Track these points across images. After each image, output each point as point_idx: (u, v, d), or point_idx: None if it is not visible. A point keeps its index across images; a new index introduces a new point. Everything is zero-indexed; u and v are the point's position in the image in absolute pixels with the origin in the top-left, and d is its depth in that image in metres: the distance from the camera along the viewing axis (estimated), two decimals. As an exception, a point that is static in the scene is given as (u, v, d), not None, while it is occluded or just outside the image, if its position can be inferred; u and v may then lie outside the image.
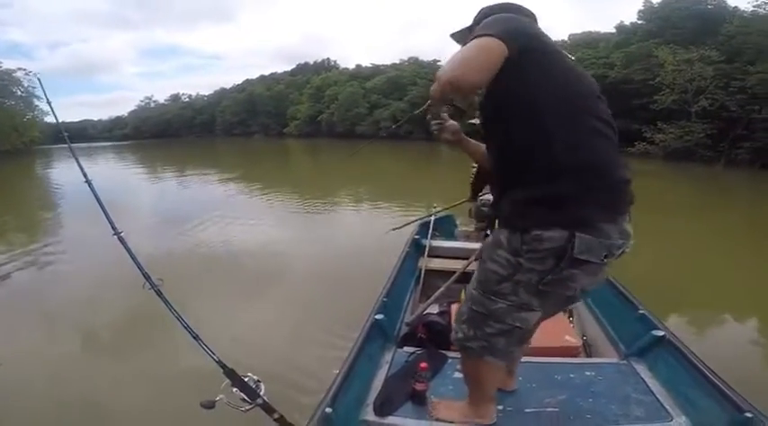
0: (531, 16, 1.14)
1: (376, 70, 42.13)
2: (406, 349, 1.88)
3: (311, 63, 58.73)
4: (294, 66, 60.65)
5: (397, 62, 42.11)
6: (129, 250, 1.43)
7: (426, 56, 42.53)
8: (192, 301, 3.43)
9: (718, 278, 4.58)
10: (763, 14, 17.31)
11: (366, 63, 46.42)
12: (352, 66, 49.14)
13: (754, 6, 17.84)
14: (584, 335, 2.23)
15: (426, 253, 3.00)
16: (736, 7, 19.04)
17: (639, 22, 22.37)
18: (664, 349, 1.74)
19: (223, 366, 1.28)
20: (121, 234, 1.45)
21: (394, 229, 3.86)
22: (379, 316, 1.92)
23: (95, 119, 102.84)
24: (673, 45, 17.78)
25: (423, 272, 2.81)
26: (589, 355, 2.08)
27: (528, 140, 0.98)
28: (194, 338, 1.35)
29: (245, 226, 6.51)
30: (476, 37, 0.94)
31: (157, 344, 2.81)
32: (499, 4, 1.14)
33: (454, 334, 1.18)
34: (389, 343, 1.92)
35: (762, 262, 5.06)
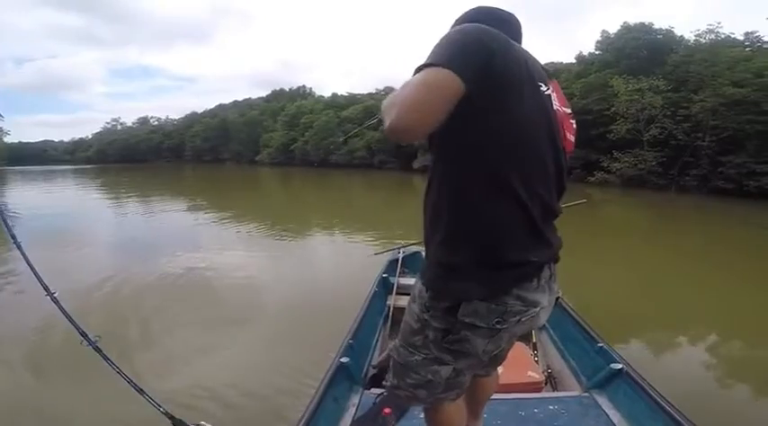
0: (511, 24, 1.00)
1: (352, 99, 42.79)
2: (373, 390, 1.86)
3: (287, 89, 59.42)
4: (269, 92, 61.24)
5: (374, 91, 42.80)
6: (63, 310, 1.41)
7: (404, 85, 43.68)
8: (145, 346, 3.27)
9: (673, 299, 4.79)
10: (704, 43, 18.58)
11: (342, 91, 47.27)
12: (328, 93, 50.03)
13: (696, 36, 19.25)
14: (548, 368, 2.28)
15: (395, 291, 2.98)
16: (681, 36, 20.23)
17: (597, 52, 23.21)
18: (623, 381, 1.80)
19: (171, 417, 1.22)
20: (55, 294, 1.41)
21: (377, 254, 3.85)
22: (344, 359, 1.90)
23: (57, 140, 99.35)
24: (626, 75, 18.61)
25: (391, 310, 2.78)
26: (554, 387, 2.13)
27: (444, 198, 0.90)
28: (139, 392, 1.28)
29: (209, 260, 6.15)
30: (424, 66, 0.76)
31: (102, 401, 2.50)
32: (476, 11, 1.00)
33: (385, 381, 1.15)
34: (356, 386, 1.90)
35: (712, 284, 5.39)
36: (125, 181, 27.32)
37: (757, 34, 19.20)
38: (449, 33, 0.82)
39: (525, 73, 0.83)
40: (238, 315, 4.01)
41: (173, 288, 4.89)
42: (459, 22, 1.00)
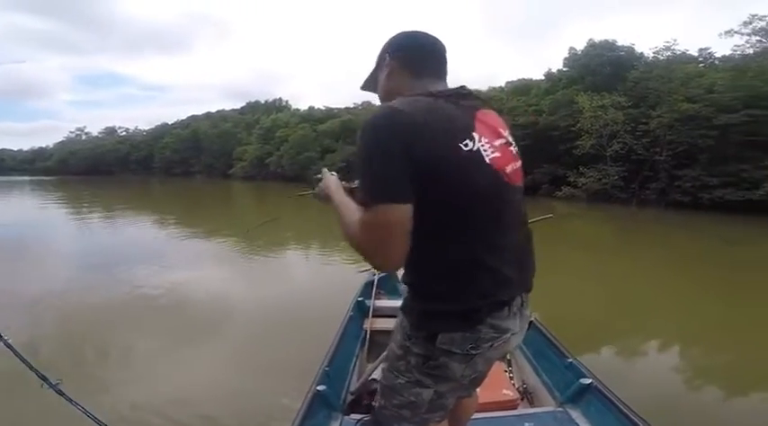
0: (435, 54, 1.02)
1: (329, 113, 42.48)
2: (353, 416, 1.85)
3: (262, 102, 58.71)
4: (244, 104, 60.25)
5: (351, 106, 42.62)
6: (19, 355, 1.32)
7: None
8: (108, 375, 3.09)
9: (636, 308, 5.01)
10: (662, 60, 19.59)
11: (319, 105, 46.86)
12: (304, 106, 49.77)
13: (654, 53, 20.29)
14: (524, 383, 2.34)
15: (371, 314, 2.95)
16: (641, 53, 21.15)
17: (565, 69, 23.87)
18: (593, 395, 1.87)
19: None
20: (9, 340, 1.34)
21: (361, 272, 3.80)
22: (320, 387, 1.88)
23: (16, 148, 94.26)
24: (591, 92, 19.33)
25: (368, 334, 2.77)
26: (531, 402, 2.18)
27: (408, 258, 0.93)
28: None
29: (177, 280, 5.89)
30: (370, 201, 0.82)
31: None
32: (403, 40, 1.03)
33: (374, 402, 1.19)
34: (335, 412, 1.90)
35: (673, 293, 5.66)
36: (89, 194, 26.11)
37: (710, 50, 20.69)
38: (366, 146, 0.84)
39: (448, 143, 0.85)
40: (207, 336, 3.87)
41: (134, 311, 4.67)
42: (384, 49, 1.04)
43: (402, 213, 0.81)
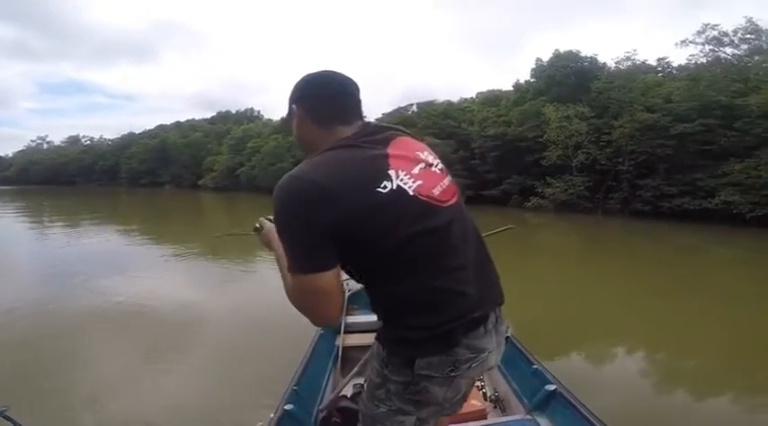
0: (345, 94, 0.99)
1: None
2: None
3: (233, 112, 57.94)
4: (214, 114, 59.18)
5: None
6: None
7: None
8: (66, 396, 2.92)
9: (600, 313, 5.26)
10: (623, 70, 20.07)
11: None
12: (276, 117, 49.07)
13: (615, 63, 20.82)
14: (495, 391, 2.35)
15: (342, 330, 2.90)
16: (604, 63, 21.55)
17: (532, 80, 24.05)
18: (557, 402, 1.90)
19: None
20: None
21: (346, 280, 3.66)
22: (288, 407, 1.86)
23: None
24: (556, 103, 19.62)
25: (341, 351, 2.71)
26: (503, 410, 2.20)
27: (364, 284, 0.99)
28: None
29: (139, 292, 5.65)
30: (292, 271, 0.85)
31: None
32: (310, 84, 1.00)
33: None
34: None
35: (635, 298, 5.91)
36: (45, 205, 24.81)
37: (668, 60, 21.60)
38: (279, 216, 0.85)
39: (365, 193, 0.84)
40: (172, 350, 3.72)
41: (91, 324, 4.47)
42: (290, 96, 1.01)
43: (327, 279, 0.84)
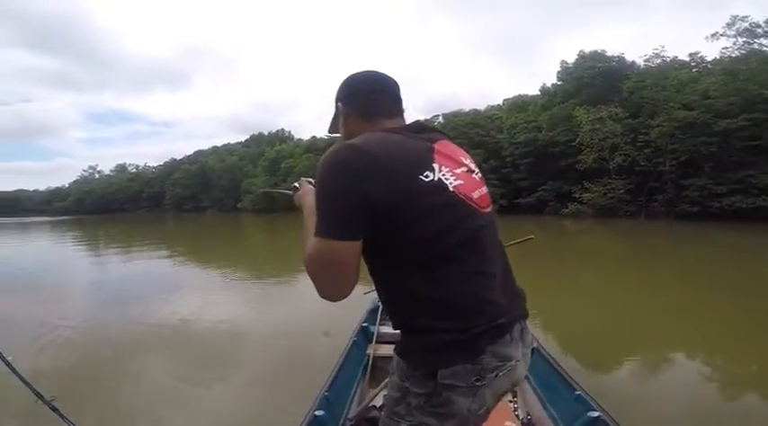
0: (387, 92, 1.03)
1: (332, 142, 41.78)
2: None
3: (266, 133, 59.93)
4: (248, 137, 61.76)
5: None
6: (17, 373, 1.42)
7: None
8: (112, 402, 3.11)
9: (652, 328, 4.76)
10: (653, 67, 19.27)
11: (321, 134, 47.15)
12: (306, 136, 50.51)
13: (644, 61, 19.97)
14: (528, 414, 2.29)
15: (374, 340, 2.93)
16: (633, 62, 20.67)
17: (559, 83, 23.49)
18: None
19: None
20: (9, 359, 1.44)
21: (366, 293, 3.83)
22: (318, 413, 1.86)
23: (32, 189, 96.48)
24: (586, 105, 19.10)
25: (371, 360, 2.74)
26: None
27: (389, 294, 0.95)
28: None
29: (190, 313, 6.06)
30: (318, 234, 0.83)
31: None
32: (355, 82, 1.04)
33: None
34: None
35: (691, 310, 5.37)
36: (104, 234, 26.53)
37: (700, 54, 20.51)
38: (321, 182, 0.85)
39: (408, 176, 0.85)
40: (217, 367, 3.89)
41: (144, 343, 4.69)
42: (336, 95, 1.06)
43: (350, 250, 0.83)
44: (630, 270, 8.67)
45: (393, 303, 0.96)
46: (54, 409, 1.37)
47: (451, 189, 0.90)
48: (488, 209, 0.98)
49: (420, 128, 0.98)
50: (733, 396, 3.31)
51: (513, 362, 0.93)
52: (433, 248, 0.87)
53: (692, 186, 16.12)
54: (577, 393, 2.07)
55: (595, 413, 1.85)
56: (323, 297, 0.89)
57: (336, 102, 1.05)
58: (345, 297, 0.89)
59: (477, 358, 0.88)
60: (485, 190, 0.99)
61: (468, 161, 0.99)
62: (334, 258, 0.84)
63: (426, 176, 0.87)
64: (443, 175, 0.90)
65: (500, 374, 0.92)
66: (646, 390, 3.45)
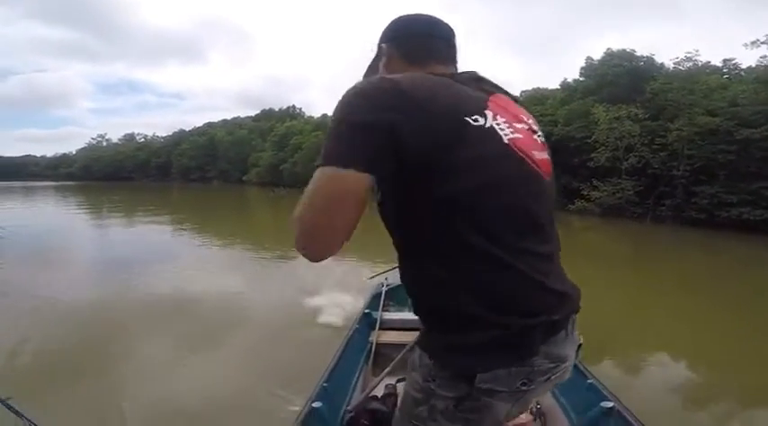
0: (437, 37, 0.87)
1: None
2: None
3: (276, 109, 59.66)
4: (258, 112, 61.53)
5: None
6: None
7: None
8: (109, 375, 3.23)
9: (657, 326, 4.92)
10: (683, 71, 18.75)
11: (332, 112, 47.14)
12: (317, 114, 50.39)
13: (675, 64, 19.35)
14: (538, 403, 2.21)
15: (378, 326, 2.85)
16: (662, 64, 20.21)
17: (581, 79, 23.05)
18: (613, 420, 1.74)
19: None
20: None
21: (370, 278, 3.78)
22: (316, 404, 1.80)
23: (39, 155, 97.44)
24: (607, 103, 18.71)
25: (374, 347, 2.66)
26: (543, 424, 2.03)
27: (416, 261, 0.78)
28: None
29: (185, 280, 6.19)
30: (323, 162, 0.67)
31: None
32: (400, 25, 0.89)
33: None
34: None
35: (694, 313, 5.51)
36: (114, 199, 26.83)
37: (735, 61, 19.89)
38: (341, 108, 0.69)
39: (452, 116, 0.69)
40: (213, 341, 3.97)
41: (141, 311, 4.85)
42: (381, 36, 0.92)
43: (357, 184, 0.65)
44: (633, 272, 8.65)
45: (420, 283, 0.78)
46: (9, 407, 1.32)
47: (506, 140, 0.73)
48: (549, 177, 0.81)
49: (476, 77, 0.81)
50: (705, 399, 3.42)
51: (567, 363, 0.79)
52: (476, 210, 0.70)
53: (702, 193, 15.82)
54: (590, 381, 2.01)
55: (609, 403, 1.77)
56: (302, 250, 0.69)
57: (379, 44, 0.91)
58: (329, 254, 0.70)
59: (528, 360, 0.73)
60: (547, 156, 0.83)
61: (530, 121, 0.82)
62: (338, 191, 0.66)
63: (475, 120, 0.71)
64: (497, 124, 0.73)
65: (552, 377, 0.77)
66: (645, 387, 3.50)
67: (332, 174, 0.66)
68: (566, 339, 0.79)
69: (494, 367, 0.72)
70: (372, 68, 0.93)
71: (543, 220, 0.78)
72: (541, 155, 0.80)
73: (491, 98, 0.77)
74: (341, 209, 0.67)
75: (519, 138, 0.75)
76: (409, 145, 0.66)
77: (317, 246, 0.70)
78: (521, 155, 0.75)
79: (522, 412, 0.88)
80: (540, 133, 0.83)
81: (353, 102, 0.69)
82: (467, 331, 0.73)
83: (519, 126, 0.77)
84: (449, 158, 0.68)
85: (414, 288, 0.80)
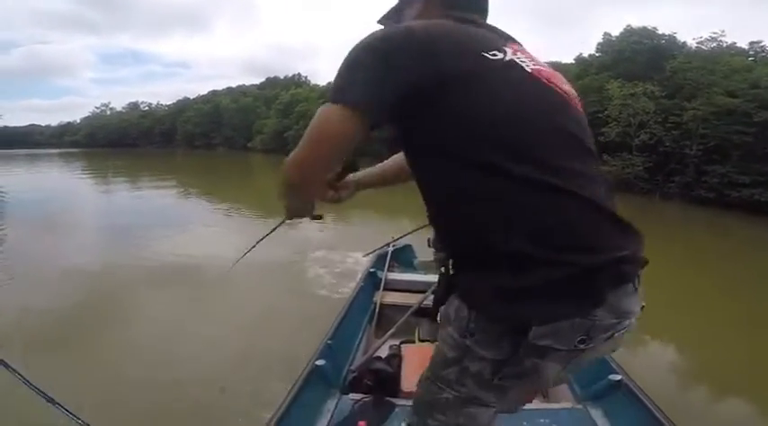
0: None
1: None
2: (352, 396, 1.75)
3: (281, 77, 58.52)
4: (263, 80, 60.37)
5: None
6: None
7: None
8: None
9: (658, 305, 4.88)
10: (706, 50, 18.49)
11: None
12: (323, 82, 49.39)
13: (697, 43, 19.15)
14: None
15: (382, 287, 2.81)
16: (684, 43, 19.97)
17: (597, 54, 22.83)
18: (621, 393, 1.71)
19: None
20: None
21: (366, 255, 3.77)
22: (320, 362, 1.79)
23: (43, 124, 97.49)
24: (622, 79, 18.53)
25: (378, 307, 2.63)
26: (546, 397, 1.95)
27: (455, 220, 0.71)
28: (48, 401, 1.22)
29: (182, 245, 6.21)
30: (330, 100, 0.66)
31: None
32: None
33: (407, 421, 0.91)
34: (333, 390, 1.80)
35: (701, 291, 5.48)
36: (118, 164, 26.87)
37: (762, 44, 19.16)
38: (355, 54, 0.68)
39: (471, 53, 0.68)
40: (214, 301, 4.01)
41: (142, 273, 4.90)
42: None
43: (359, 124, 0.65)
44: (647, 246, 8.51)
45: (457, 219, 0.69)
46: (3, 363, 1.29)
47: (529, 70, 0.71)
48: (580, 110, 0.77)
49: (494, 27, 0.81)
50: (705, 378, 3.41)
51: (632, 319, 0.68)
52: (513, 136, 0.65)
53: (713, 172, 15.64)
54: None
55: (617, 376, 1.74)
56: (288, 182, 0.79)
57: None
58: (309, 185, 0.80)
59: (593, 309, 0.62)
60: (577, 98, 0.80)
61: (553, 72, 0.79)
62: (339, 128, 0.67)
63: (494, 54, 0.69)
64: (518, 58, 0.72)
65: (616, 334, 0.66)
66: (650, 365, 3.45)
67: (338, 112, 0.67)
68: (634, 292, 0.69)
69: (555, 317, 0.62)
70: (397, 11, 0.90)
71: (591, 146, 0.74)
72: (570, 89, 0.78)
73: (510, 43, 0.76)
74: (332, 146, 0.71)
75: (543, 70, 0.74)
76: (426, 90, 0.66)
77: (295, 170, 0.77)
78: (548, 83, 0.73)
79: (565, 381, 0.73)
80: (564, 81, 0.81)
81: (368, 47, 0.69)
82: (520, 272, 0.62)
83: (541, 64, 0.76)
84: (472, 90, 0.66)
85: (446, 229, 0.75)
